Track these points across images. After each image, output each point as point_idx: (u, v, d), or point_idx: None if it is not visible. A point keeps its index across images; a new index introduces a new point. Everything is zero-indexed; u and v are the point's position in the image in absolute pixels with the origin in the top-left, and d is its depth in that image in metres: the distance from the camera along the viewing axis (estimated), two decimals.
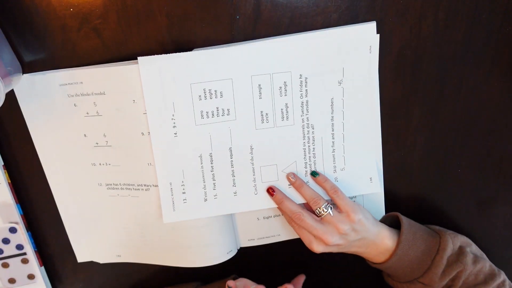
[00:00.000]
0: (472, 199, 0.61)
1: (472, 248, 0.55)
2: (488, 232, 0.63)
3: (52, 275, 0.65)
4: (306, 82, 0.53)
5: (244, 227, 0.61)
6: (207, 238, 0.58)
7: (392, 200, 0.61)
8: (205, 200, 0.56)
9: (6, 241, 0.60)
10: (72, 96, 0.53)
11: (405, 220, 0.55)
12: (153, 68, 0.50)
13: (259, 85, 0.52)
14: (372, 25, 0.51)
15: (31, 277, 0.63)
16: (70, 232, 0.61)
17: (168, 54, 0.49)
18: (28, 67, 0.52)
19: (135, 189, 0.57)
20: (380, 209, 0.60)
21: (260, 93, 0.52)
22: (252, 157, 0.55)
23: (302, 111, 0.54)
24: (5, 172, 0.57)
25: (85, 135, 0.55)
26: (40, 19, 0.50)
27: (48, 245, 0.63)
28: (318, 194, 0.54)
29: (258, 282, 0.67)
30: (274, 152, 0.55)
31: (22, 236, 0.60)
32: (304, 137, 0.55)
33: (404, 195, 0.61)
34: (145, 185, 0.56)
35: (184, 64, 0.50)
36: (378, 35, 0.51)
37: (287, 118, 0.54)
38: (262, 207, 0.57)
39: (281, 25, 0.51)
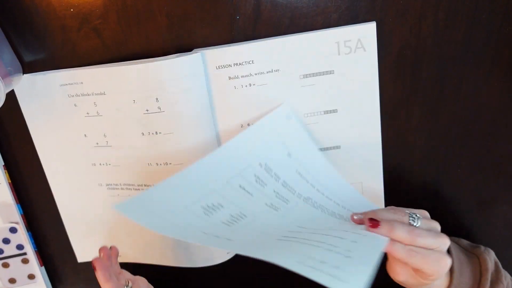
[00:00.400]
0: (472, 199, 0.61)
1: (499, 265, 0.52)
2: (488, 232, 0.63)
3: (52, 275, 0.65)
4: (269, 167, 0.50)
5: None
6: None
7: (392, 200, 0.61)
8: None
9: (6, 241, 0.60)
10: (73, 96, 0.53)
11: (452, 248, 0.49)
12: (138, 211, 0.40)
13: (240, 185, 0.46)
14: (372, 25, 0.51)
15: (31, 277, 0.63)
16: (70, 232, 0.61)
17: (137, 195, 0.40)
18: (28, 67, 0.52)
19: (135, 189, 0.57)
20: None
21: (248, 191, 0.47)
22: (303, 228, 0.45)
23: (291, 192, 0.50)
24: (5, 172, 0.58)
25: (85, 135, 0.55)
26: (40, 19, 0.50)
27: (48, 245, 0.63)
28: (395, 208, 0.46)
29: (258, 282, 0.67)
30: (318, 221, 0.47)
31: (22, 236, 0.60)
32: (317, 208, 0.49)
33: (404, 195, 0.61)
34: (145, 185, 0.56)
35: (159, 198, 0.42)
36: (378, 35, 0.51)
37: (287, 202, 0.49)
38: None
39: (281, 25, 0.51)
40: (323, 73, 0.52)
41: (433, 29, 0.52)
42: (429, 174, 0.60)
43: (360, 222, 0.45)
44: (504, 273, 0.53)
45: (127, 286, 0.53)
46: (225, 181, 0.46)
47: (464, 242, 0.55)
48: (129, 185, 0.57)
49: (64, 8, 0.50)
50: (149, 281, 0.65)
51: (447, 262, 0.43)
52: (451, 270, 0.48)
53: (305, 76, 0.53)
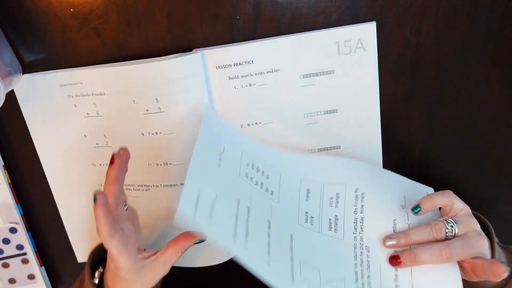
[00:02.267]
0: (472, 199, 0.61)
1: None
2: None
3: (52, 275, 0.65)
4: (363, 198, 0.48)
5: None
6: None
7: None
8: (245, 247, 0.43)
9: (6, 241, 0.60)
10: (72, 96, 0.53)
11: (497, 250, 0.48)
12: (213, 124, 0.47)
13: (308, 189, 0.48)
14: (372, 25, 0.51)
15: (31, 277, 0.63)
16: (70, 232, 0.61)
17: (230, 127, 0.48)
18: (28, 67, 0.52)
19: (135, 190, 0.57)
20: None
21: (308, 196, 0.48)
22: (292, 246, 0.45)
23: (355, 228, 0.47)
24: (5, 172, 0.58)
25: (85, 135, 0.55)
26: (40, 19, 0.50)
27: (48, 245, 0.63)
28: (429, 223, 0.45)
29: (258, 282, 0.67)
30: (318, 257, 0.46)
31: (22, 236, 0.60)
32: (355, 257, 0.46)
33: None
34: (145, 186, 0.56)
35: (241, 137, 0.48)
36: (378, 35, 0.51)
37: (335, 230, 0.47)
38: None
39: (281, 25, 0.51)
40: (323, 73, 0.52)
41: (433, 29, 0.52)
42: (429, 174, 0.60)
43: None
44: None
45: (125, 205, 0.47)
46: (299, 178, 0.48)
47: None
48: (130, 185, 0.57)
49: (64, 8, 0.50)
50: None
51: (485, 243, 0.43)
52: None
53: (305, 76, 0.53)
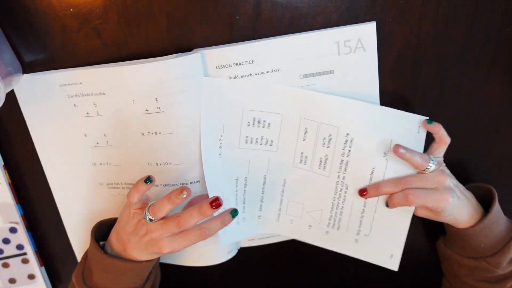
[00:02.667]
0: None
1: None
2: None
3: (52, 275, 0.65)
4: (351, 143, 0.53)
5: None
6: (208, 239, 0.58)
7: None
8: (237, 223, 0.58)
9: (6, 241, 0.60)
10: (72, 96, 0.53)
11: (497, 199, 0.54)
12: (214, 89, 0.51)
13: (306, 128, 0.53)
14: (372, 25, 0.51)
15: (31, 277, 0.63)
16: (70, 232, 0.61)
17: (230, 80, 0.51)
18: (28, 67, 0.52)
19: None
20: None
21: (305, 136, 0.54)
22: (283, 189, 0.57)
23: (340, 169, 0.55)
24: (5, 172, 0.58)
25: (85, 135, 0.55)
26: (40, 19, 0.50)
27: (48, 245, 0.63)
28: (419, 154, 0.52)
29: (258, 282, 0.67)
30: (304, 193, 0.57)
31: (22, 236, 0.60)
32: (335, 192, 0.56)
33: None
34: None
35: (242, 90, 0.52)
36: (378, 35, 0.51)
37: (323, 168, 0.55)
38: (277, 233, 0.61)
39: (281, 25, 0.51)
40: (323, 73, 0.52)
41: (433, 29, 0.52)
42: None
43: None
44: None
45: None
46: (299, 116, 0.53)
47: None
48: (130, 184, 0.57)
49: (64, 8, 0.50)
50: None
51: (447, 197, 0.50)
52: (489, 211, 0.52)
53: (305, 76, 0.53)
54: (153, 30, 0.51)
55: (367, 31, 0.51)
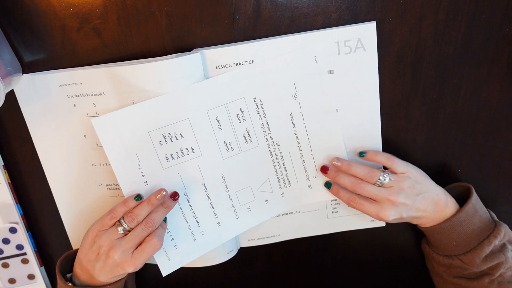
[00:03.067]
0: None
1: None
2: None
3: (52, 275, 0.65)
4: (262, 104, 0.54)
5: None
6: None
7: None
8: (194, 239, 0.57)
9: (6, 241, 0.60)
10: (72, 96, 0.53)
11: (475, 195, 0.55)
12: (109, 126, 0.50)
13: (217, 117, 0.53)
14: (372, 25, 0.51)
15: (31, 277, 0.63)
16: (70, 232, 0.61)
17: (120, 110, 0.50)
18: (28, 67, 0.52)
19: None
20: None
21: (219, 124, 0.53)
22: (226, 185, 0.56)
23: (264, 132, 0.55)
24: (5, 172, 0.57)
25: (85, 135, 0.55)
26: (40, 19, 0.50)
27: (48, 245, 0.63)
28: (370, 167, 0.54)
29: (258, 282, 0.67)
30: (246, 175, 0.57)
31: (22, 236, 0.60)
32: (271, 154, 0.57)
33: None
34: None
35: (138, 114, 0.50)
36: (378, 35, 0.51)
37: (250, 141, 0.55)
38: (245, 230, 0.59)
39: (281, 25, 0.51)
40: (323, 73, 0.52)
41: (433, 29, 0.52)
42: (429, 174, 0.60)
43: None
44: None
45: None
46: (204, 110, 0.52)
47: (495, 216, 0.57)
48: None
49: (64, 8, 0.50)
50: (150, 280, 0.65)
51: (387, 214, 0.52)
52: (459, 209, 0.53)
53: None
54: (153, 30, 0.51)
55: (367, 31, 0.51)
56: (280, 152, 0.56)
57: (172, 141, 0.52)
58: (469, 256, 0.52)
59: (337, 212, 0.61)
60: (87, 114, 0.54)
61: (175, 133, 0.52)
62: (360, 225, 0.62)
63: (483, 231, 0.53)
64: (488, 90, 0.55)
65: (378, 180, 0.53)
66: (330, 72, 0.52)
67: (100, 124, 0.50)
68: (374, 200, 0.53)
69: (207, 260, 0.60)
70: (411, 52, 0.53)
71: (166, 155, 0.53)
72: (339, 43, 0.51)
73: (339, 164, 0.55)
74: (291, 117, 0.55)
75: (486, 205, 0.60)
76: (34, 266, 0.62)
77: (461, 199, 0.55)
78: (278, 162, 0.57)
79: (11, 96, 0.53)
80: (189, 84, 0.50)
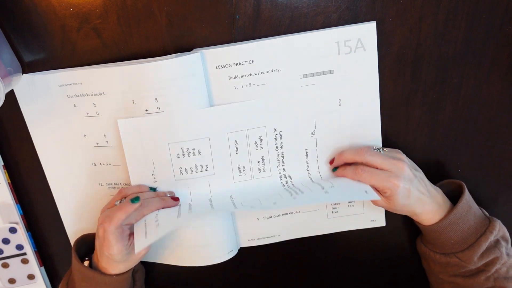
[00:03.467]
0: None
1: (508, 245, 0.55)
2: None
3: (52, 275, 0.65)
4: (281, 135, 0.55)
5: (244, 227, 0.61)
6: (208, 238, 0.58)
7: None
8: (178, 215, 0.53)
9: (6, 241, 0.60)
10: (72, 96, 0.53)
11: (467, 191, 0.55)
12: (133, 129, 0.52)
13: (236, 141, 0.54)
14: (372, 25, 0.51)
15: (31, 277, 0.63)
16: (69, 232, 0.61)
17: (147, 117, 0.51)
18: (28, 67, 0.52)
19: None
20: (380, 209, 0.60)
21: (237, 148, 0.54)
22: (234, 204, 0.55)
23: (278, 163, 0.56)
24: (5, 172, 0.57)
25: (85, 135, 0.55)
26: (40, 19, 0.50)
27: (48, 245, 0.63)
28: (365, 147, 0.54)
29: (258, 282, 0.67)
30: (254, 199, 0.55)
31: (22, 236, 0.60)
32: (283, 186, 0.57)
33: None
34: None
35: (162, 124, 0.51)
36: (378, 35, 0.51)
37: (264, 170, 0.56)
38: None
39: (281, 25, 0.51)
40: (323, 73, 0.52)
41: (433, 29, 0.52)
42: (429, 174, 0.60)
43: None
44: (507, 249, 0.54)
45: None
46: (225, 132, 0.53)
47: (486, 212, 0.57)
48: (129, 184, 0.57)
49: (64, 8, 0.50)
50: (150, 280, 0.65)
51: (397, 182, 0.50)
52: (454, 207, 0.53)
53: (305, 76, 0.53)
54: (153, 30, 0.51)
55: (367, 31, 0.51)
56: (292, 184, 0.57)
57: (189, 156, 0.53)
58: (467, 254, 0.52)
59: (337, 212, 0.61)
60: (87, 114, 0.54)
61: (193, 149, 0.53)
62: (360, 225, 0.62)
63: (478, 227, 0.53)
64: (488, 90, 0.55)
65: (377, 148, 0.53)
66: (330, 72, 0.52)
67: (125, 125, 0.52)
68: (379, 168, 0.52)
69: (207, 259, 0.60)
70: (411, 52, 0.53)
71: (180, 168, 0.54)
72: (339, 43, 0.51)
73: (336, 161, 0.55)
74: (306, 153, 0.56)
75: (487, 205, 0.60)
76: (34, 266, 0.62)
77: (453, 197, 0.55)
78: (288, 190, 0.56)
79: (11, 96, 0.53)
80: (188, 84, 0.50)
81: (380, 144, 0.57)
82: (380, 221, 0.61)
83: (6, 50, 0.50)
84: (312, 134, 0.55)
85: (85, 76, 0.52)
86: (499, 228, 0.53)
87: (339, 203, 0.60)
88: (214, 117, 0.52)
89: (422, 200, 0.52)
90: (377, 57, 0.52)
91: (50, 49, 0.52)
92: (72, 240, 0.62)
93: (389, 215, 0.61)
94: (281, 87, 0.53)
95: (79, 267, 0.53)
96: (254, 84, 0.52)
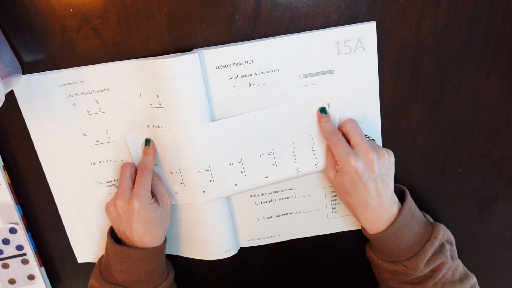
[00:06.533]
0: (472, 199, 0.61)
1: (452, 248, 0.55)
2: (488, 232, 0.63)
3: (52, 275, 0.65)
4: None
5: (244, 227, 0.61)
6: (208, 233, 0.58)
7: None
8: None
9: (6, 241, 0.60)
10: (72, 96, 0.53)
11: (410, 198, 0.54)
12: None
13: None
14: (372, 25, 0.51)
15: (31, 277, 0.63)
16: (69, 232, 0.61)
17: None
18: (28, 68, 0.52)
19: None
20: None
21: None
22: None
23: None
24: (5, 173, 0.57)
25: (84, 134, 0.55)
26: (40, 19, 0.50)
27: (48, 245, 0.63)
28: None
29: (258, 282, 0.67)
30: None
31: (22, 237, 0.60)
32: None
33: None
34: None
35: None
36: (378, 35, 0.51)
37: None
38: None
39: (281, 25, 0.51)
40: (323, 73, 0.52)
41: (433, 29, 0.52)
42: (429, 174, 0.60)
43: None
44: (471, 274, 0.54)
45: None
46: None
47: (429, 217, 0.58)
48: None
49: (63, 8, 0.50)
50: None
51: (352, 161, 0.50)
52: (398, 214, 0.52)
53: (305, 75, 0.53)
54: (152, 30, 0.51)
55: (367, 31, 0.51)
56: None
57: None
58: (413, 262, 0.52)
59: (337, 212, 0.61)
60: (88, 112, 0.54)
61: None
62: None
63: (423, 234, 0.53)
64: (488, 90, 0.55)
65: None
66: (330, 72, 0.52)
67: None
68: (353, 145, 0.52)
69: (203, 254, 0.60)
70: (411, 52, 0.53)
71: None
72: (339, 43, 0.51)
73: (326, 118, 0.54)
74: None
75: (487, 205, 0.60)
76: (34, 266, 0.62)
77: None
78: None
79: (10, 97, 0.53)
80: (187, 84, 0.50)
81: (380, 145, 0.57)
82: None
83: (6, 50, 0.50)
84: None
85: (88, 74, 0.52)
86: (443, 233, 0.53)
87: (339, 203, 0.60)
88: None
89: (368, 203, 0.52)
90: (377, 57, 0.52)
91: (50, 49, 0.52)
92: (72, 240, 0.62)
93: None
94: (281, 87, 0.53)
95: (115, 249, 0.54)
96: (254, 84, 0.52)
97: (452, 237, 0.55)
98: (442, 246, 0.53)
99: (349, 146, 0.52)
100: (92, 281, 0.57)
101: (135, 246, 0.54)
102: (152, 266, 0.54)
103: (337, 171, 0.52)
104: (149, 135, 0.55)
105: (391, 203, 0.52)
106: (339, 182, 0.52)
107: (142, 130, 0.55)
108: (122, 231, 0.55)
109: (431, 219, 0.57)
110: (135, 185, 0.54)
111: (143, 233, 0.53)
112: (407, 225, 0.52)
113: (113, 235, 0.57)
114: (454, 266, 0.53)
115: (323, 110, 0.54)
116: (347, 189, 0.52)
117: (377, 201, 0.51)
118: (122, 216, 0.53)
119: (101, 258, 0.58)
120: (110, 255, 0.54)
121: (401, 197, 0.55)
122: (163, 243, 0.56)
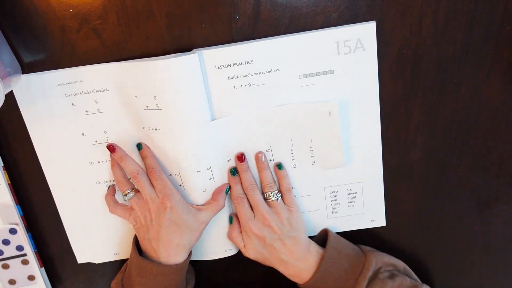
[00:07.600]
0: (472, 199, 0.61)
1: (389, 267, 0.55)
2: (488, 232, 0.63)
3: (52, 276, 0.65)
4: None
5: None
6: (206, 233, 0.58)
7: (392, 200, 0.61)
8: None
9: (6, 242, 0.60)
10: (71, 95, 0.53)
11: (332, 237, 0.55)
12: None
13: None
14: (372, 25, 0.51)
15: (31, 278, 0.63)
16: (69, 232, 0.61)
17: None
18: (27, 68, 0.52)
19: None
20: (380, 209, 0.60)
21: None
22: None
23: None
24: (5, 173, 0.57)
25: (83, 134, 0.55)
26: (39, 19, 0.50)
27: (48, 246, 0.63)
28: (273, 179, 0.57)
29: (258, 282, 0.67)
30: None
31: (22, 237, 0.60)
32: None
33: (404, 195, 0.61)
34: None
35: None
36: (378, 35, 0.51)
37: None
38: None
39: (281, 25, 0.51)
40: (323, 73, 0.52)
41: (433, 29, 0.52)
42: (429, 174, 0.60)
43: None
44: (421, 284, 0.54)
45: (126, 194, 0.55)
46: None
47: (363, 246, 0.58)
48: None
49: (63, 9, 0.50)
50: None
51: (251, 226, 0.54)
52: (322, 258, 0.54)
53: (305, 76, 0.53)
54: (152, 30, 0.51)
55: (367, 31, 0.51)
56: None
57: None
58: None
59: (337, 212, 0.61)
60: (87, 111, 0.54)
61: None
62: (360, 225, 0.62)
63: (354, 268, 0.53)
64: (488, 90, 0.55)
65: (269, 193, 0.55)
66: (330, 72, 0.52)
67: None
68: (253, 208, 0.55)
69: (204, 254, 0.60)
70: (411, 52, 0.53)
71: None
72: (338, 43, 0.51)
73: (262, 161, 0.56)
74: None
75: (487, 205, 0.60)
76: (34, 267, 0.62)
77: (325, 241, 0.56)
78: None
79: (10, 97, 0.53)
80: (186, 84, 0.50)
81: (380, 145, 0.57)
82: (380, 221, 0.61)
83: (5, 51, 0.50)
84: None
85: (87, 73, 0.52)
86: (376, 261, 0.53)
87: (339, 203, 0.60)
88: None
89: (282, 260, 0.55)
90: (377, 57, 0.52)
91: (49, 49, 0.52)
92: (72, 240, 0.62)
93: (389, 215, 0.61)
94: (281, 87, 0.53)
95: (137, 260, 0.53)
96: (253, 84, 0.52)
97: (392, 259, 0.55)
98: (377, 271, 0.53)
99: (251, 211, 0.55)
100: (113, 285, 0.57)
101: (158, 259, 0.53)
102: (172, 282, 0.53)
103: (243, 237, 0.56)
104: (144, 137, 0.54)
105: (307, 253, 0.54)
106: (248, 244, 0.56)
107: (139, 133, 0.54)
108: (147, 239, 0.53)
109: (367, 249, 0.57)
110: (156, 188, 0.53)
111: (169, 240, 0.52)
112: (335, 265, 0.53)
113: (137, 244, 0.56)
114: (396, 285, 0.52)
115: (279, 166, 0.56)
116: (259, 250, 0.55)
117: (290, 257, 0.54)
118: (153, 220, 0.52)
119: (127, 263, 0.57)
120: (132, 266, 0.54)
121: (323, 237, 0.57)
122: (186, 259, 0.54)
